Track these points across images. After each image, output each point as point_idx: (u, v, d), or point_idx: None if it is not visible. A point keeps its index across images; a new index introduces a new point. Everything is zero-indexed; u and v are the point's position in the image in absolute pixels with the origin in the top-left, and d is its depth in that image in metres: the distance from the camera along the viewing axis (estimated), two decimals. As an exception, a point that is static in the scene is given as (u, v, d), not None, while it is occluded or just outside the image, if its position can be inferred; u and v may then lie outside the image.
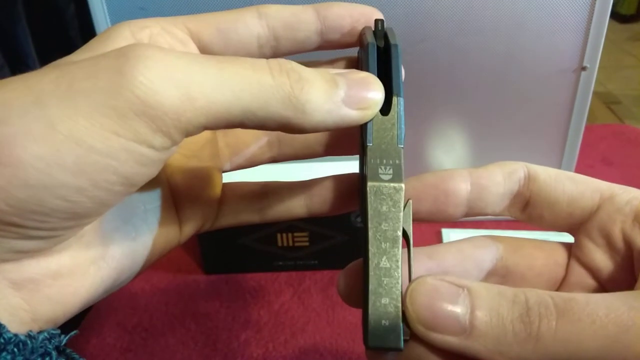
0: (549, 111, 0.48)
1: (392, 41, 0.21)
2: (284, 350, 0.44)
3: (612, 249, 0.20)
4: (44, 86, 0.15)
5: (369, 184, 0.19)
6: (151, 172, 0.17)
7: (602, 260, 0.20)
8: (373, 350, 0.18)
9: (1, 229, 0.15)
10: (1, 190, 0.14)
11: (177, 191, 0.23)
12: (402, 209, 0.19)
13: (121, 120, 0.15)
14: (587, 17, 0.43)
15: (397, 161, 0.19)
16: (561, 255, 0.22)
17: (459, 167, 0.22)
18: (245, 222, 0.25)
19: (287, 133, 0.18)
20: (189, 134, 0.16)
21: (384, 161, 0.19)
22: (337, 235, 0.48)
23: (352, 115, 0.18)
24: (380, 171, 0.19)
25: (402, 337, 0.18)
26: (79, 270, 0.18)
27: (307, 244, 0.49)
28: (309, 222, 0.48)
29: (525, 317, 0.16)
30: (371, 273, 0.18)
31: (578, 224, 0.21)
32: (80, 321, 0.46)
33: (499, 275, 0.22)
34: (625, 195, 0.20)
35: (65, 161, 0.14)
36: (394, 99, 0.20)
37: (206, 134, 0.25)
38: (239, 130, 0.26)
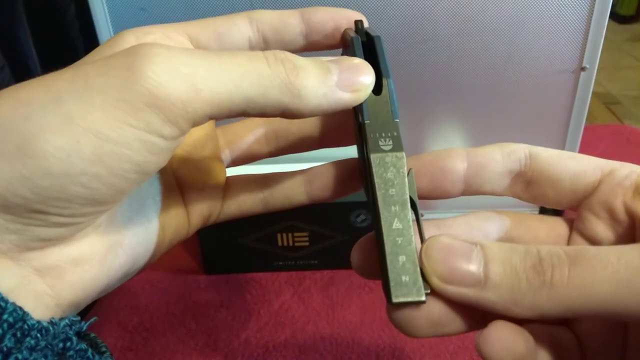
0: (548, 112, 0.48)
1: (373, 34, 0.23)
2: (284, 349, 0.44)
3: (614, 221, 0.21)
4: (60, 84, 0.16)
5: (372, 155, 0.20)
6: (161, 160, 0.18)
7: (604, 231, 0.21)
8: (397, 306, 0.19)
9: (27, 216, 0.16)
10: (26, 179, 0.15)
11: (183, 183, 0.25)
12: (407, 174, 0.20)
13: (133, 112, 0.16)
14: (587, 17, 0.43)
15: (395, 133, 0.21)
16: (563, 229, 0.23)
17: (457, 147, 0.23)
18: (249, 212, 0.26)
19: (287, 118, 0.19)
20: (195, 123, 0.17)
21: (383, 134, 0.21)
22: (337, 235, 0.49)
23: (346, 97, 0.20)
24: (380, 143, 0.21)
25: (423, 290, 0.18)
26: (97, 257, 0.19)
27: (307, 243, 0.49)
28: (309, 222, 0.48)
29: (538, 267, 0.17)
30: (385, 235, 0.19)
31: (580, 200, 0.22)
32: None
33: None
34: (624, 169, 0.21)
35: (84, 151, 0.16)
36: (384, 80, 0.21)
37: (207, 129, 0.26)
38: (236, 127, 0.27)
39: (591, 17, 0.43)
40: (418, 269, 0.19)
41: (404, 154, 0.20)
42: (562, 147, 0.50)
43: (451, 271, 0.18)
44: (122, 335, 0.45)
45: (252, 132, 0.27)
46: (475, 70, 0.46)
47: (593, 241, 0.21)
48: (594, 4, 0.43)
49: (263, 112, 0.18)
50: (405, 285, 0.19)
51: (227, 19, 0.22)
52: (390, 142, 0.21)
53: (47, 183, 0.16)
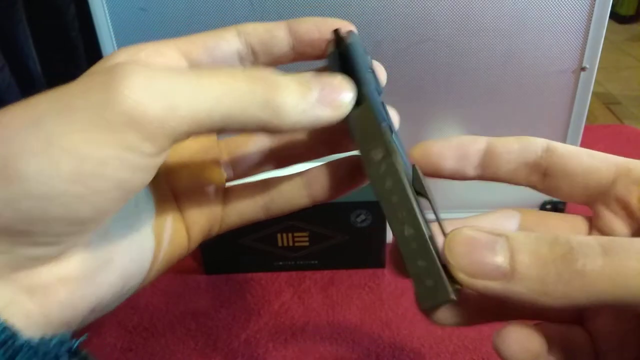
0: (548, 112, 0.48)
1: (348, 41, 0.22)
2: (284, 349, 0.44)
3: (631, 218, 0.21)
4: (41, 106, 0.17)
5: (368, 171, 0.21)
6: (144, 177, 0.18)
7: (621, 228, 0.21)
8: (429, 310, 0.19)
9: (13, 237, 0.16)
10: (8, 202, 0.16)
11: (179, 195, 0.24)
12: (404, 179, 0.20)
13: (112, 131, 0.16)
14: (587, 17, 0.43)
15: (385, 138, 0.21)
16: (583, 227, 0.23)
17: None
18: (250, 220, 0.26)
19: (267, 134, 0.19)
20: (175, 140, 0.17)
21: (372, 144, 0.21)
22: (337, 235, 0.49)
23: (326, 114, 0.20)
24: (372, 155, 0.21)
25: (449, 289, 0.18)
26: (86, 276, 0.19)
27: (307, 244, 0.49)
28: (309, 222, 0.48)
29: (569, 256, 0.16)
30: (400, 243, 0.19)
31: (595, 196, 0.22)
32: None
33: None
34: None
35: (64, 171, 0.16)
36: (363, 89, 0.21)
37: (204, 140, 0.26)
38: (239, 138, 0.27)
39: (591, 17, 0.43)
40: (440, 270, 0.18)
41: (395, 157, 0.20)
42: (562, 147, 0.50)
43: (476, 265, 0.17)
44: (122, 335, 0.45)
45: (255, 143, 0.26)
46: (475, 70, 0.46)
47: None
48: (594, 4, 0.43)
49: (243, 129, 0.18)
50: (431, 289, 0.18)
51: (217, 34, 0.23)
52: (381, 151, 0.20)
53: (29, 205, 0.16)
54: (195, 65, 0.22)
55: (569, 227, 0.23)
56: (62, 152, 0.16)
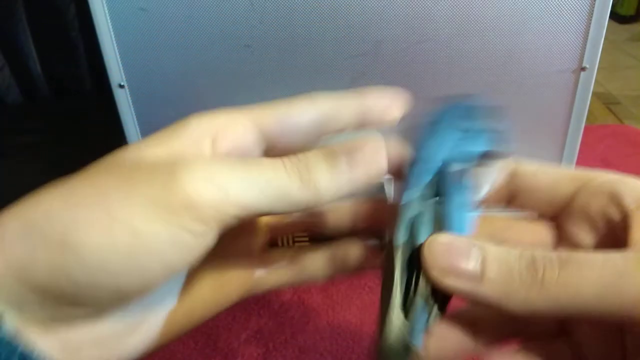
0: (548, 112, 0.48)
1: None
2: (284, 349, 0.44)
3: (593, 228, 0.22)
4: (108, 182, 0.18)
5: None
6: (189, 258, 0.19)
7: (586, 238, 0.22)
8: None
9: (59, 298, 0.18)
10: (62, 269, 0.17)
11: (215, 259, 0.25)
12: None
13: (169, 212, 0.18)
14: (587, 17, 0.43)
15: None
16: (547, 235, 0.24)
17: None
18: (272, 288, 0.28)
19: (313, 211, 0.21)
20: (225, 223, 0.19)
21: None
22: (337, 235, 0.48)
23: (360, 177, 0.21)
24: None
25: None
26: (117, 337, 0.20)
27: (307, 244, 0.49)
28: (309, 222, 0.48)
29: (531, 267, 0.18)
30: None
31: (559, 209, 0.23)
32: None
33: None
34: (600, 178, 0.22)
35: (119, 245, 0.17)
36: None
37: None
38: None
39: (591, 17, 0.43)
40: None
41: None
42: (562, 147, 0.50)
43: (451, 264, 0.19)
44: (122, 335, 0.45)
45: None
46: (475, 70, 0.46)
47: (577, 248, 0.22)
48: (594, 4, 0.43)
49: (288, 211, 0.20)
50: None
51: (289, 104, 0.23)
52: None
53: (81, 273, 0.17)
54: (266, 136, 0.23)
55: (532, 236, 0.24)
56: (120, 225, 0.17)
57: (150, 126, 0.50)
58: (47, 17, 0.53)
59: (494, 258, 0.19)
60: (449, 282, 0.19)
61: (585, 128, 0.49)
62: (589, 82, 0.46)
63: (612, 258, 0.18)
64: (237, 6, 0.43)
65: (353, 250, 0.27)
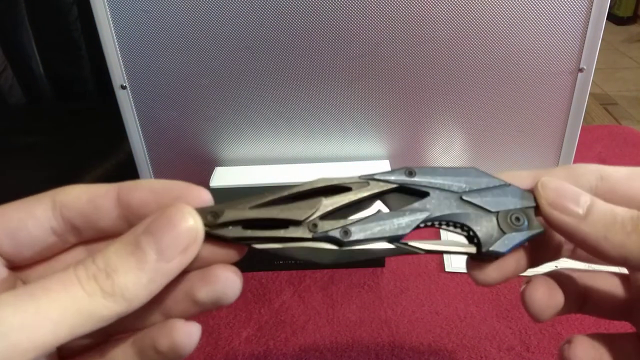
0: (546, 112, 0.49)
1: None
2: (285, 348, 0.44)
3: None
4: None
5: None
6: None
7: None
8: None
9: None
10: None
11: None
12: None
13: None
14: (584, 19, 0.44)
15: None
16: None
17: (522, 170, 0.23)
18: None
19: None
20: None
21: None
22: (337, 234, 0.49)
23: (174, 267, 0.18)
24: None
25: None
26: None
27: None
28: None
29: (635, 219, 0.19)
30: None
31: None
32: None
33: None
34: None
35: None
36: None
37: None
38: None
39: (589, 18, 0.44)
40: None
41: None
42: (559, 148, 0.51)
43: (560, 199, 0.20)
44: (123, 334, 0.46)
45: None
46: (473, 71, 0.47)
47: None
48: (592, 6, 0.43)
49: (99, 327, 0.17)
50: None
51: (25, 209, 0.19)
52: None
53: None
54: None
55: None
56: None
57: (152, 126, 0.50)
58: (49, 19, 0.54)
59: (602, 204, 0.20)
60: (555, 215, 0.20)
61: (583, 128, 0.49)
62: (586, 83, 0.47)
63: None
64: (237, 8, 0.44)
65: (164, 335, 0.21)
